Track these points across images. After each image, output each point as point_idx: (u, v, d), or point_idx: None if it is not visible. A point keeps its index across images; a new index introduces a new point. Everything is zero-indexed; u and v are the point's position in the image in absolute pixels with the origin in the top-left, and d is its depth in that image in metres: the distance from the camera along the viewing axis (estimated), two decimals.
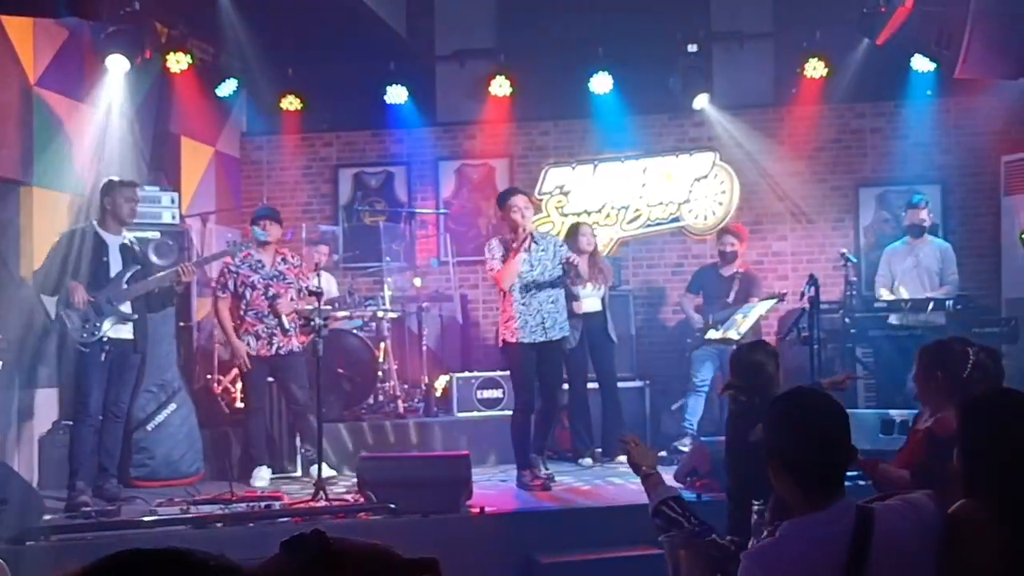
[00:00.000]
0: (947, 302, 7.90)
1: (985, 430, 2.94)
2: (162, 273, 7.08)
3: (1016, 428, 2.91)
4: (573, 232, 8.59)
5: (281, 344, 7.49)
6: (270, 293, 7.46)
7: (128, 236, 7.07)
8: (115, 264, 6.86)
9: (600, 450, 8.48)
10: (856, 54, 9.34)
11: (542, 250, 7.22)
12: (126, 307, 6.80)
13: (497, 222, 10.11)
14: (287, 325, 7.48)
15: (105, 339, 6.69)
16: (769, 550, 2.67)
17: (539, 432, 7.26)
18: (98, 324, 6.65)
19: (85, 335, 6.63)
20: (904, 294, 8.36)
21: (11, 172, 7.42)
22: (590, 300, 8.41)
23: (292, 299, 7.56)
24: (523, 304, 7.11)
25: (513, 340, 7.08)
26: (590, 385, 8.52)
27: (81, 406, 6.74)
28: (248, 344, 7.49)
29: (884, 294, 8.50)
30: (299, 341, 7.60)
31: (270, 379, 7.71)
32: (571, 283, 8.25)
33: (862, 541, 2.55)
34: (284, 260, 7.66)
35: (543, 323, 7.14)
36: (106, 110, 8.43)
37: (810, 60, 9.55)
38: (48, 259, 6.81)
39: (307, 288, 7.45)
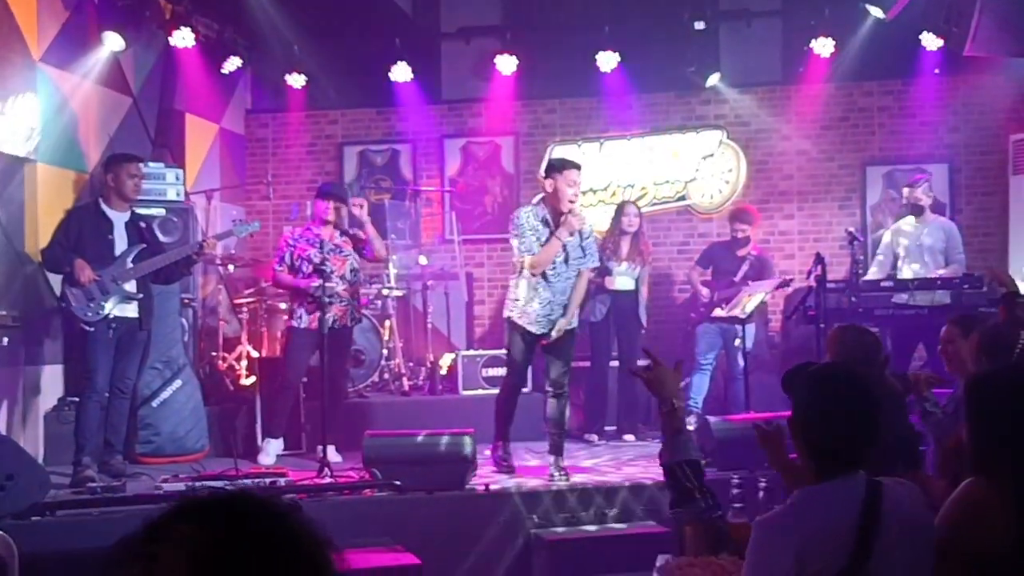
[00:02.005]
0: (955, 281, 7.86)
1: (995, 406, 2.93)
2: (174, 251, 7.06)
3: (1022, 404, 2.90)
4: (617, 211, 8.66)
5: (335, 316, 7.37)
6: (327, 268, 7.26)
7: (136, 212, 7.04)
8: (120, 242, 6.84)
9: (615, 428, 8.51)
10: (864, 32, 9.27)
11: (580, 244, 6.70)
12: (131, 286, 6.78)
13: (503, 200, 10.10)
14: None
15: (111, 317, 6.68)
16: (781, 516, 2.67)
17: (557, 431, 6.80)
18: (103, 303, 6.63)
19: (90, 314, 6.61)
20: (908, 273, 8.32)
21: (16, 149, 7.40)
22: (623, 278, 8.42)
23: (353, 269, 7.50)
24: (534, 290, 6.67)
25: (517, 320, 6.79)
26: (611, 364, 8.55)
27: (87, 382, 6.74)
28: (300, 318, 7.44)
29: (874, 272, 8.46)
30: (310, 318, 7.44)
31: (313, 354, 7.55)
32: (606, 259, 8.24)
33: (873, 508, 2.57)
34: (343, 233, 7.60)
35: (550, 315, 6.73)
36: (111, 86, 8.42)
37: (818, 38, 9.48)
38: (55, 236, 6.79)
39: (313, 267, 7.44)
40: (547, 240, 6.57)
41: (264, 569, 1.33)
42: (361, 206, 7.68)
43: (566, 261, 6.67)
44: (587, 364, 8.67)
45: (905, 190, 8.77)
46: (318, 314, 7.17)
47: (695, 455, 3.48)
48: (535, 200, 7.04)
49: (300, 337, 7.45)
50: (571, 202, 6.54)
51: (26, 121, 7.46)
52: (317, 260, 7.24)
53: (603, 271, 8.36)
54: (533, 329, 6.73)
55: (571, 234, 6.57)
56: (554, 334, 6.72)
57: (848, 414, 2.67)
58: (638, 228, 8.55)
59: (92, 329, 6.64)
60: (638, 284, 8.53)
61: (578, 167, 6.75)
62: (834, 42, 9.45)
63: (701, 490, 3.30)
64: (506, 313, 6.92)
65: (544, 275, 6.63)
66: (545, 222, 6.62)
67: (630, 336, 8.54)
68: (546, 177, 6.72)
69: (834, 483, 2.64)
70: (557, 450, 6.76)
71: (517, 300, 6.74)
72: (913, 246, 8.48)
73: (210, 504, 1.39)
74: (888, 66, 9.90)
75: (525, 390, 7.72)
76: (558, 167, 6.69)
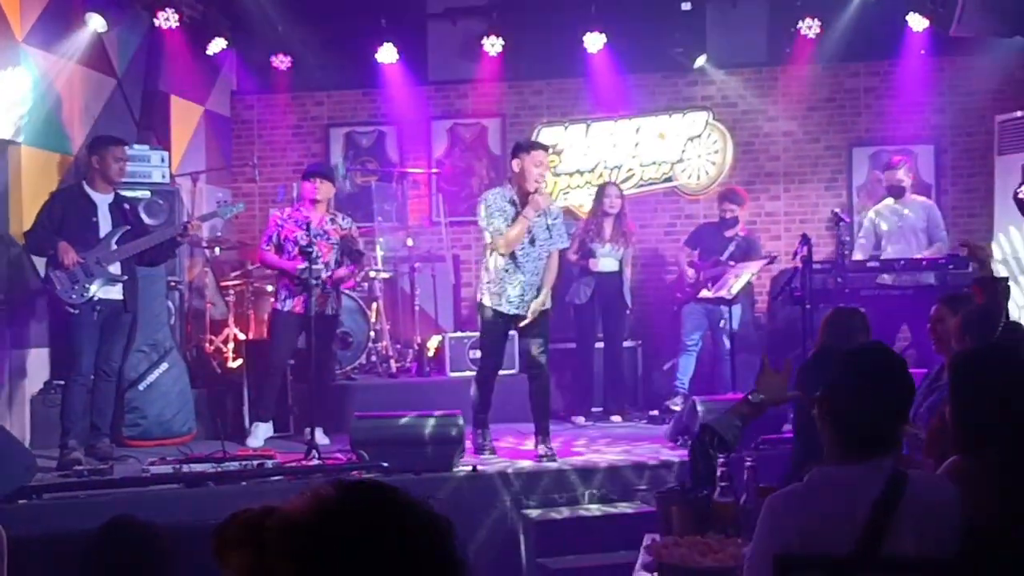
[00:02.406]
0: (940, 261, 7.90)
1: (976, 384, 2.95)
2: (158, 232, 7.04)
3: (1003, 381, 2.92)
4: (599, 192, 8.67)
5: (317, 303, 7.32)
6: (312, 251, 7.24)
7: (120, 195, 7.01)
8: (104, 224, 6.81)
9: (602, 409, 8.53)
10: (850, 12, 9.27)
11: (547, 224, 6.73)
12: (115, 268, 6.75)
13: (490, 182, 10.07)
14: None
15: (96, 300, 6.66)
16: (791, 493, 2.65)
17: (541, 412, 6.82)
18: (87, 285, 6.61)
19: (74, 296, 6.59)
20: (892, 254, 8.35)
21: None
22: (607, 260, 8.43)
23: (336, 260, 7.46)
24: (506, 271, 6.71)
25: (487, 303, 6.82)
26: (597, 345, 8.57)
27: (72, 365, 6.72)
28: (284, 300, 7.43)
29: (858, 255, 8.49)
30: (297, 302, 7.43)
31: (299, 337, 7.58)
32: (590, 240, 8.27)
33: (890, 500, 2.50)
34: (332, 220, 7.56)
35: (523, 296, 6.76)
36: (95, 68, 8.37)
37: (804, 19, 9.47)
38: (38, 219, 6.75)
39: (355, 249, 7.46)
40: (514, 220, 6.61)
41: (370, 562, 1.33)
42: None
43: (532, 242, 6.70)
44: (573, 346, 8.69)
45: (885, 173, 8.81)
46: (302, 297, 7.19)
47: (730, 438, 3.56)
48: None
49: (284, 320, 7.44)
50: (537, 182, 6.59)
51: (9, 103, 7.41)
52: (303, 242, 7.22)
53: (587, 253, 8.39)
54: (507, 310, 6.76)
55: (537, 213, 6.60)
56: (529, 315, 6.74)
57: (879, 393, 2.61)
58: (620, 209, 8.55)
59: (76, 311, 6.61)
60: (622, 265, 8.54)
61: (546, 148, 6.85)
62: (820, 23, 9.45)
63: (710, 450, 3.37)
64: (479, 297, 6.94)
65: (513, 256, 6.68)
66: (512, 203, 6.67)
67: (615, 317, 8.57)
68: (513, 157, 6.74)
69: (856, 467, 2.58)
70: (543, 430, 6.78)
71: (489, 283, 6.78)
72: (895, 227, 8.52)
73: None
74: (874, 47, 9.90)
75: (512, 371, 7.73)
76: (525, 147, 6.73)
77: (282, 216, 7.55)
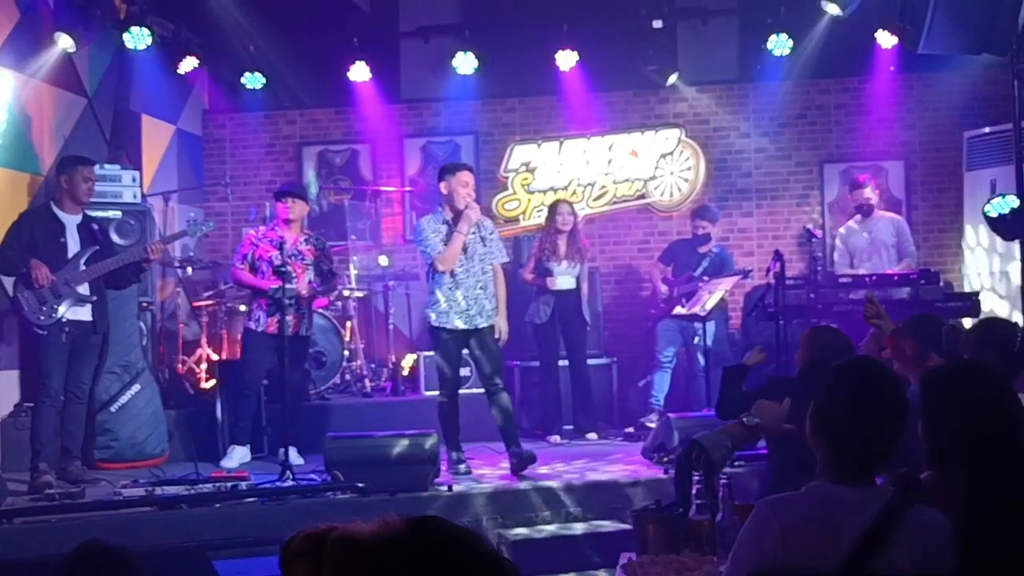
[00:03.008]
0: (912, 277, 7.96)
1: (943, 400, 2.96)
2: (125, 253, 6.99)
3: (973, 398, 2.94)
4: (551, 210, 8.62)
5: (289, 325, 7.28)
6: (286, 271, 7.21)
7: (88, 215, 6.96)
8: (73, 244, 6.76)
9: (572, 427, 8.51)
10: (820, 29, 9.35)
11: (480, 236, 7.00)
12: (84, 288, 6.70)
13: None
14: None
15: (64, 321, 6.60)
16: (785, 498, 2.62)
17: (508, 423, 6.94)
18: (55, 306, 6.55)
19: (42, 317, 6.53)
20: (863, 271, 8.41)
21: None
22: (564, 278, 8.42)
23: (310, 281, 7.42)
24: (450, 288, 6.89)
25: (436, 323, 6.94)
26: (560, 363, 8.54)
27: (42, 387, 6.65)
28: (257, 320, 7.41)
29: (846, 272, 8.54)
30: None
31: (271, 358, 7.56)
32: (545, 259, 8.29)
33: (887, 522, 2.45)
34: (307, 240, 7.54)
35: (468, 310, 6.91)
36: (65, 87, 8.32)
37: (774, 36, 9.54)
38: (6, 239, 6.70)
39: (328, 270, 7.44)
40: (449, 238, 6.88)
41: None
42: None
43: (470, 256, 6.95)
44: (536, 364, 8.66)
45: (852, 192, 8.90)
46: (276, 317, 7.18)
47: (716, 457, 3.52)
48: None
49: (256, 340, 7.42)
50: (466, 200, 6.89)
51: None
52: (277, 262, 7.19)
53: (543, 272, 8.37)
54: (457, 326, 6.92)
55: (471, 227, 6.90)
56: (501, 335, 7.03)
57: (872, 407, 2.57)
58: (573, 226, 8.54)
59: (45, 333, 6.55)
60: (579, 282, 8.52)
61: (470, 168, 7.23)
62: (791, 40, 9.52)
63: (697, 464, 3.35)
64: (431, 322, 7.03)
65: (453, 273, 6.91)
66: (446, 223, 6.95)
67: (576, 334, 8.54)
68: (440, 180, 7.03)
69: (852, 489, 2.53)
70: (514, 441, 6.84)
71: (437, 303, 6.94)
72: (865, 244, 8.60)
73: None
74: (844, 64, 9.99)
75: (481, 390, 7.69)
76: (450, 170, 7.05)
77: (256, 235, 7.53)
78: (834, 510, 2.51)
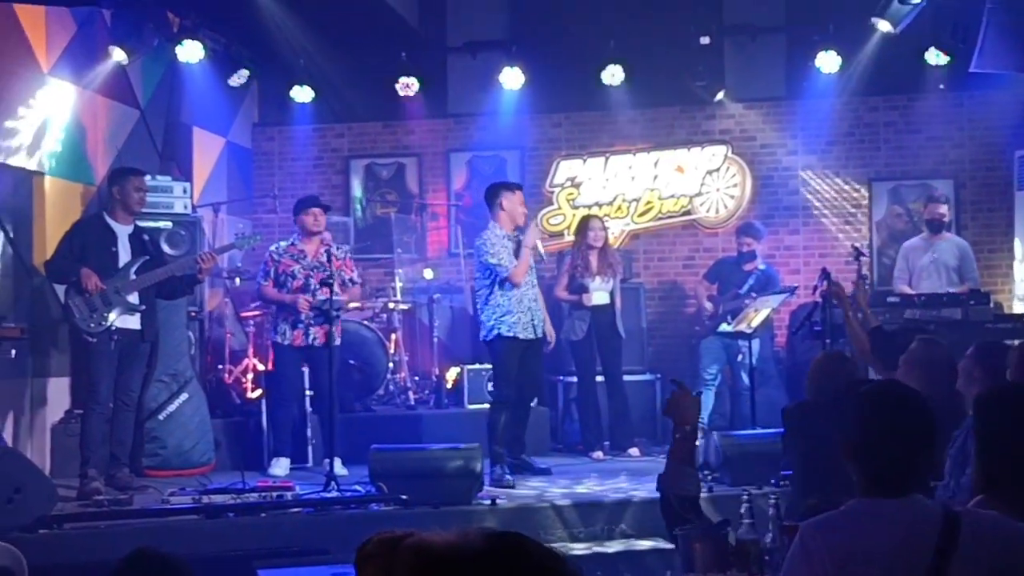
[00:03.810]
0: (961, 297, 7.87)
1: (1000, 423, 2.93)
2: (175, 263, 7.08)
3: None
4: (582, 226, 8.58)
5: (316, 335, 7.46)
6: (310, 284, 7.43)
7: (139, 225, 7.07)
8: (124, 254, 6.86)
9: (608, 443, 8.48)
10: (869, 47, 9.28)
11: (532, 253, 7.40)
12: (134, 297, 6.80)
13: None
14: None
15: (113, 329, 6.69)
16: (828, 519, 2.62)
17: (522, 428, 7.42)
18: (105, 314, 6.65)
19: (92, 325, 6.63)
20: (923, 290, 8.31)
21: (24, 162, 7.44)
22: (599, 293, 8.40)
23: (336, 292, 7.52)
24: (518, 300, 7.23)
25: (508, 334, 7.20)
26: (597, 379, 8.54)
27: (91, 394, 6.76)
28: (283, 333, 7.50)
29: (904, 290, 8.44)
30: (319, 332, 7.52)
31: (303, 369, 7.71)
32: (579, 276, 8.29)
33: (950, 540, 2.45)
34: (328, 251, 7.64)
35: (532, 320, 7.31)
36: (119, 99, 8.46)
37: (822, 53, 9.49)
38: (59, 248, 6.82)
39: (348, 279, 7.53)
40: (517, 253, 7.22)
41: None
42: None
43: (530, 270, 7.38)
44: (574, 380, 8.65)
45: (928, 205, 8.72)
46: (301, 329, 7.42)
47: (693, 491, 3.47)
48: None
49: (286, 353, 7.55)
50: (524, 215, 7.38)
51: (34, 134, 7.50)
52: (301, 276, 7.39)
53: (578, 288, 8.33)
54: (524, 336, 7.26)
55: (535, 241, 7.35)
56: (551, 341, 7.59)
57: (899, 430, 2.58)
58: (605, 241, 8.53)
59: (94, 340, 6.65)
60: (612, 296, 8.49)
61: (520, 187, 7.69)
62: (839, 57, 9.47)
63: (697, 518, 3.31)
64: (492, 333, 7.23)
65: (519, 285, 7.25)
66: (507, 238, 7.29)
67: (612, 349, 8.48)
68: (496, 198, 7.38)
69: (890, 501, 2.54)
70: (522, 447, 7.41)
71: (507, 314, 7.19)
72: (927, 263, 8.47)
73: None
74: (894, 81, 9.90)
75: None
76: (510, 188, 7.51)
77: (277, 251, 7.61)
78: (875, 523, 2.53)
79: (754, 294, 8.57)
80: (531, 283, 7.38)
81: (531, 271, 7.38)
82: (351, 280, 7.76)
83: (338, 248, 7.79)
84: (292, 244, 7.67)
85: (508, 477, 6.96)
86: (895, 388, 2.80)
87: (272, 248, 7.71)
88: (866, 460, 2.62)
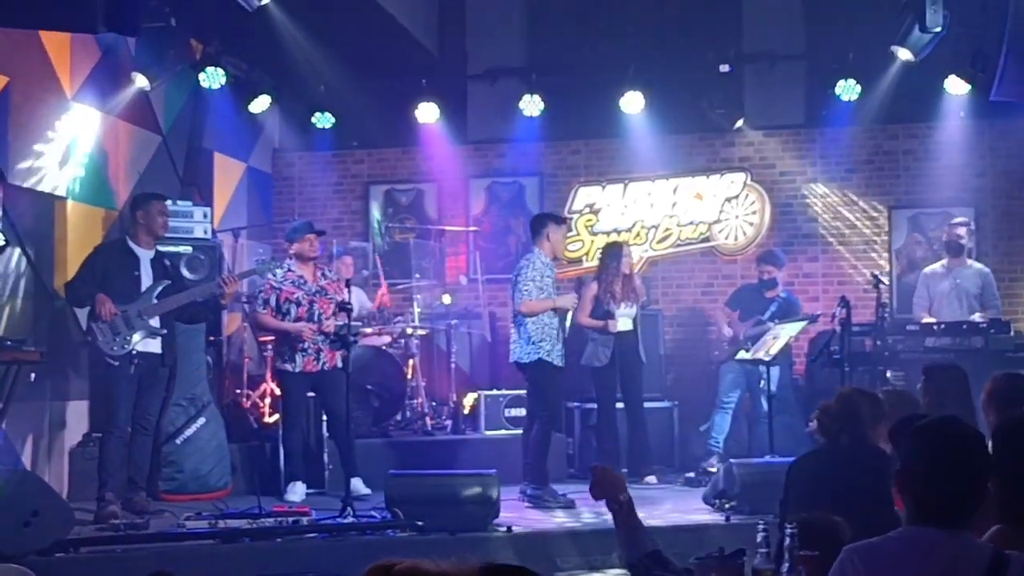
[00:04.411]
0: (981, 325, 7.81)
1: (1017, 455, 2.90)
2: (197, 288, 7.12)
3: None
4: (612, 253, 8.52)
5: (326, 360, 7.51)
6: (315, 309, 7.49)
7: (160, 250, 7.12)
8: (146, 278, 6.90)
9: (626, 470, 8.44)
10: (889, 75, 9.27)
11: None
12: (155, 321, 6.83)
13: (527, 240, 10.12)
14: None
15: (134, 352, 6.72)
16: (868, 546, 2.62)
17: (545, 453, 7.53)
18: (128, 337, 6.68)
19: (115, 348, 6.66)
20: (943, 318, 8.24)
21: (47, 186, 7.50)
22: (623, 320, 8.41)
23: (333, 314, 7.55)
24: (553, 328, 7.46)
25: (549, 359, 7.38)
26: (617, 405, 8.52)
27: (110, 418, 6.77)
28: (293, 361, 7.53)
29: (924, 317, 8.38)
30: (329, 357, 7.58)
31: (310, 395, 7.75)
32: (606, 303, 8.30)
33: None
34: (324, 275, 7.69)
35: (561, 350, 7.54)
36: (141, 125, 8.53)
37: (842, 81, 9.49)
38: (80, 272, 6.86)
39: (338, 302, 7.51)
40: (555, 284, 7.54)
41: None
42: (350, 266, 7.86)
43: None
44: (594, 407, 8.64)
45: (947, 227, 8.65)
46: (311, 355, 7.47)
47: (651, 545, 3.46)
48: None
49: (295, 380, 7.58)
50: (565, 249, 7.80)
51: (58, 159, 7.57)
52: (304, 302, 7.49)
53: (604, 315, 8.32)
54: (561, 363, 7.49)
55: (568, 309, 7.76)
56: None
57: (954, 469, 2.59)
58: (631, 267, 8.57)
59: (116, 363, 6.68)
60: (635, 323, 8.49)
61: (567, 221, 8.23)
62: (859, 85, 9.47)
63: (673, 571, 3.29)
64: (533, 356, 7.34)
65: (555, 311, 7.51)
66: (549, 268, 7.51)
67: (633, 375, 8.47)
68: (543, 228, 7.58)
69: (937, 531, 2.55)
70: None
71: (546, 339, 7.39)
72: (948, 290, 8.40)
73: None
74: (913, 110, 9.89)
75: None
76: (558, 220, 7.77)
77: (276, 279, 7.62)
78: (917, 550, 2.53)
79: (776, 321, 8.54)
80: (551, 312, 7.53)
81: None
82: (337, 304, 7.75)
83: (329, 270, 7.87)
84: (289, 270, 7.69)
85: (560, 499, 7.20)
86: (953, 423, 2.79)
87: (270, 276, 7.71)
88: (918, 490, 2.62)
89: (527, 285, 7.35)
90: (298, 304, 7.54)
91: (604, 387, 8.45)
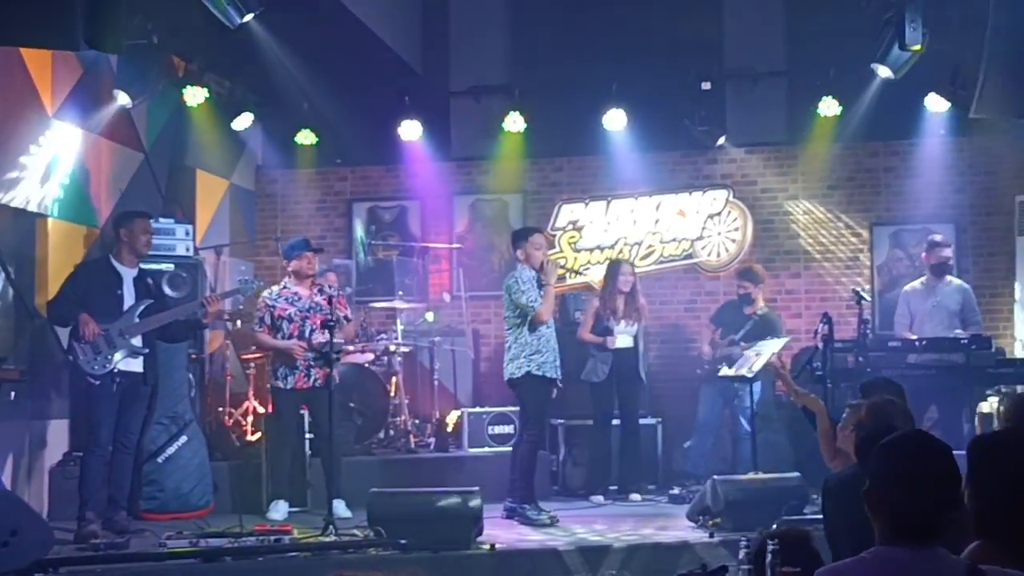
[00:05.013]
0: (962, 342, 7.84)
1: (997, 469, 2.90)
2: (179, 307, 7.10)
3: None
4: (611, 270, 8.66)
5: (317, 377, 7.49)
6: (307, 326, 7.48)
7: (143, 268, 7.09)
8: (129, 297, 6.87)
9: (616, 488, 8.46)
10: (870, 92, 9.33)
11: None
12: (137, 340, 6.80)
13: (511, 258, 10.13)
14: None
15: (116, 371, 6.69)
16: (845, 567, 2.61)
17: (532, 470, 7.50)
18: (109, 356, 6.65)
19: (96, 367, 6.62)
20: (925, 335, 8.27)
21: (28, 204, 7.47)
22: (623, 337, 8.44)
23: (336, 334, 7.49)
24: (546, 340, 7.39)
25: (538, 372, 7.33)
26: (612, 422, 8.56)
27: (91, 437, 6.74)
28: (284, 378, 7.53)
29: (905, 334, 8.40)
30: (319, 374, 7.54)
31: (303, 412, 7.73)
32: (605, 319, 8.34)
33: None
34: (320, 291, 7.66)
35: (555, 361, 7.46)
36: (123, 142, 8.51)
37: (823, 98, 9.55)
38: (62, 290, 6.83)
39: (342, 316, 7.53)
40: (542, 291, 7.38)
41: None
42: (333, 283, 7.81)
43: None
44: (590, 423, 8.65)
45: (933, 249, 8.66)
46: (302, 372, 7.47)
47: None
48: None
49: (286, 397, 7.56)
50: (543, 257, 7.53)
51: (39, 176, 7.53)
52: (297, 319, 7.48)
53: (603, 331, 8.39)
54: (552, 374, 7.43)
55: (556, 279, 7.58)
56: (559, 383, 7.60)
57: (922, 483, 2.57)
58: (633, 286, 8.58)
59: (97, 383, 6.64)
60: (636, 341, 8.53)
61: (539, 230, 7.88)
62: (840, 102, 9.53)
63: None
64: (522, 370, 7.32)
65: (548, 324, 7.46)
66: (534, 279, 7.42)
67: (632, 393, 8.53)
68: (516, 249, 7.56)
69: (909, 549, 2.53)
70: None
71: (534, 354, 7.32)
72: (929, 308, 8.44)
73: None
74: (894, 126, 9.95)
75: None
76: (522, 236, 7.62)
77: (270, 297, 7.63)
78: (889, 570, 2.51)
79: (743, 343, 8.54)
80: (551, 323, 7.54)
81: (556, 312, 7.64)
82: (345, 317, 7.77)
83: (328, 287, 7.84)
84: (285, 287, 7.70)
85: (545, 515, 7.17)
86: (920, 437, 2.77)
87: (265, 294, 7.71)
88: (889, 508, 2.59)
89: (529, 295, 7.29)
90: (290, 320, 7.54)
91: (600, 403, 8.50)
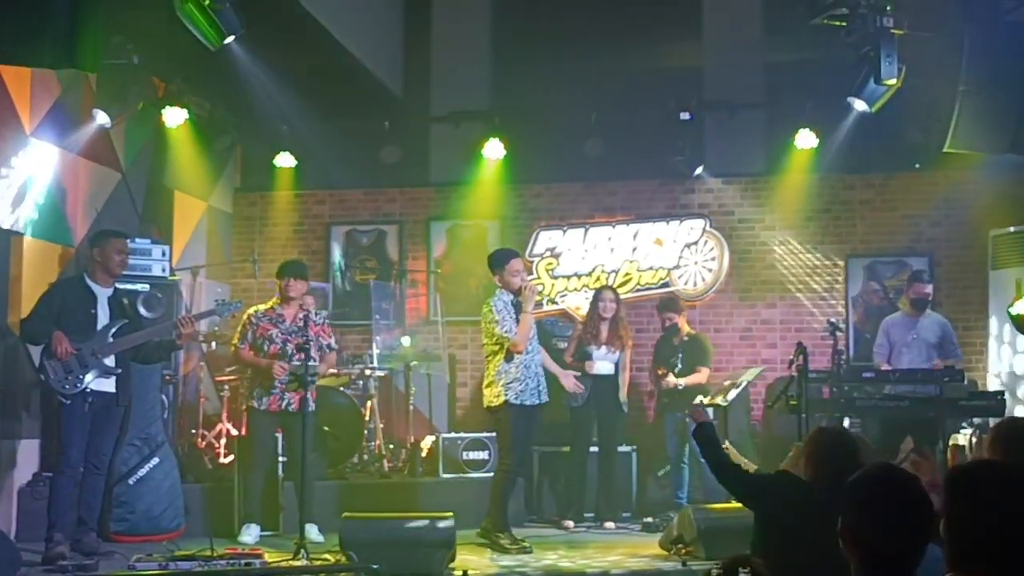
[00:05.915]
0: (936, 373, 7.88)
1: (971, 502, 2.91)
2: (153, 328, 7.06)
3: (1002, 500, 2.89)
4: (595, 297, 8.77)
5: (291, 400, 7.45)
6: (288, 348, 7.45)
7: (119, 288, 7.04)
8: (103, 316, 6.82)
9: (592, 515, 8.44)
10: (847, 125, 9.41)
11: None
12: (110, 360, 6.75)
13: (488, 283, 10.13)
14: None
15: (88, 391, 6.63)
16: None
17: (506, 498, 7.39)
18: (81, 376, 6.59)
19: (67, 386, 6.56)
20: (902, 366, 8.31)
21: (3, 221, 7.42)
22: (602, 363, 8.45)
23: (312, 357, 7.43)
24: (525, 366, 7.27)
25: (516, 401, 7.22)
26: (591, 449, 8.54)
27: (62, 457, 6.67)
28: (259, 399, 7.50)
29: (883, 365, 8.44)
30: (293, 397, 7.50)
31: (277, 435, 7.70)
32: (586, 343, 8.33)
33: None
34: (306, 317, 7.60)
35: (539, 386, 7.37)
36: (101, 162, 8.48)
37: (801, 130, 9.64)
38: (36, 309, 6.78)
39: (325, 345, 7.57)
40: (518, 319, 7.25)
41: None
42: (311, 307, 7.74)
43: (535, 334, 7.48)
44: (566, 449, 8.64)
45: (914, 285, 8.69)
46: (276, 394, 7.43)
47: None
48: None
49: (260, 418, 7.53)
50: (521, 282, 7.37)
51: (15, 194, 7.50)
52: (279, 340, 7.44)
53: (583, 355, 8.42)
54: (533, 402, 7.30)
55: (533, 306, 7.43)
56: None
57: (900, 521, 2.57)
58: (615, 313, 8.60)
59: (69, 402, 6.58)
60: (618, 368, 8.54)
61: (517, 254, 7.71)
62: (817, 135, 9.61)
63: None
64: (500, 398, 7.23)
65: (527, 350, 7.31)
66: (513, 304, 7.33)
67: (611, 421, 8.54)
68: (494, 275, 7.45)
69: None
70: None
71: (513, 382, 7.22)
72: (908, 340, 8.49)
73: None
74: (870, 160, 10.06)
75: None
76: (500, 261, 7.45)
77: (255, 315, 7.61)
78: None
79: (673, 376, 8.55)
80: (536, 349, 7.44)
81: (533, 336, 7.42)
82: (328, 346, 7.76)
83: (316, 314, 7.78)
84: (271, 308, 7.68)
85: (519, 543, 7.10)
86: (891, 472, 2.77)
87: (251, 311, 7.70)
88: (863, 547, 2.58)
89: (504, 325, 7.20)
90: (271, 341, 7.51)
91: (579, 428, 8.50)
